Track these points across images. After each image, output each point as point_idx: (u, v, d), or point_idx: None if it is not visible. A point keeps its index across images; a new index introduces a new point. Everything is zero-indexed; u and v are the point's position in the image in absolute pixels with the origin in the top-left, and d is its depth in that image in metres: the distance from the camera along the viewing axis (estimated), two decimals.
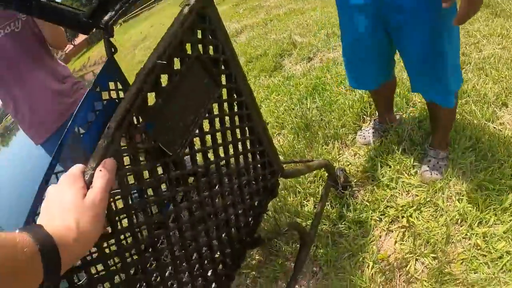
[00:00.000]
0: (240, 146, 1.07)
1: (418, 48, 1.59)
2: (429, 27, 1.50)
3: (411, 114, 2.30)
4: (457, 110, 2.29)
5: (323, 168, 1.89)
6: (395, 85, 2.17)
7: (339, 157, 2.25)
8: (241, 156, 1.07)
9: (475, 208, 1.77)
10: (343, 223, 1.90)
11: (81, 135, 1.21)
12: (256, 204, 1.19)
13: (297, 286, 1.80)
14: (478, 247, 1.66)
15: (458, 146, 2.03)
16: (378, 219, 1.86)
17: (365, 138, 2.28)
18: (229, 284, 1.13)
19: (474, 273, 1.59)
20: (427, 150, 1.98)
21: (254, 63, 4.24)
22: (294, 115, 2.75)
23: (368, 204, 1.91)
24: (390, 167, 2.04)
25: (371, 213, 1.87)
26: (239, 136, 1.06)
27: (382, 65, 1.86)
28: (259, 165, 1.17)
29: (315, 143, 2.39)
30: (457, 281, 1.56)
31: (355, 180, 2.05)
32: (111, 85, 1.39)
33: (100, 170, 0.63)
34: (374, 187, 1.97)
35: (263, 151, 1.17)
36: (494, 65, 2.68)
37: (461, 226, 1.74)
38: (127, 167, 0.77)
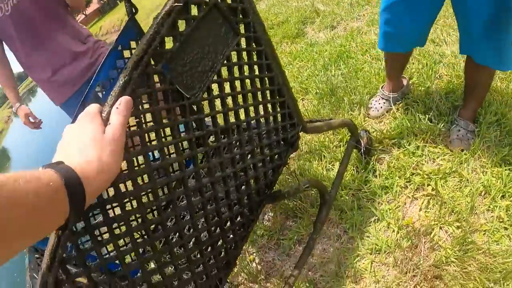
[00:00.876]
0: (259, 96, 1.03)
1: (487, 5, 1.51)
2: None
3: (438, 85, 2.22)
4: None
5: (346, 128, 1.81)
6: (411, 53, 2.10)
7: (365, 123, 2.18)
8: (260, 106, 1.04)
9: (499, 181, 1.72)
10: (368, 188, 1.85)
11: (103, 93, 1.16)
12: (275, 156, 1.14)
13: (321, 248, 1.77)
14: (501, 220, 1.61)
15: (484, 120, 1.95)
16: (403, 186, 1.81)
17: (377, 110, 2.21)
18: (247, 235, 1.11)
19: (496, 245, 1.55)
20: (457, 120, 1.91)
21: (275, 30, 4.09)
22: (318, 80, 2.66)
23: (393, 170, 1.85)
24: (416, 135, 1.97)
25: (397, 180, 1.82)
26: (258, 86, 1.02)
27: (426, 28, 1.80)
28: (279, 116, 1.12)
29: (340, 108, 2.31)
30: (480, 251, 1.52)
31: (380, 147, 1.99)
32: (133, 44, 1.34)
33: (117, 107, 0.61)
34: (400, 154, 1.91)
35: (283, 102, 1.12)
36: None
37: (484, 198, 1.69)
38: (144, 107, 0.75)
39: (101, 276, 0.73)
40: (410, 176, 1.81)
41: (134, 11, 1.19)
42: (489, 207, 1.66)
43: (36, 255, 1.18)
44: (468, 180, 1.74)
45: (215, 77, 0.86)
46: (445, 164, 1.80)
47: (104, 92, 1.29)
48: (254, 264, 1.85)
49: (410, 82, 2.28)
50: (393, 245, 1.62)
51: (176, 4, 0.72)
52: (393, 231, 1.67)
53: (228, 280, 1.79)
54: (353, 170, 1.94)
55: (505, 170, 1.74)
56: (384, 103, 2.20)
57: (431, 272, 1.51)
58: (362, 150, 1.82)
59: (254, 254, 1.91)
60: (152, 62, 0.71)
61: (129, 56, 1.10)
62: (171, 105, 0.77)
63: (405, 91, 2.22)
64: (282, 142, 1.16)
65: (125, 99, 0.63)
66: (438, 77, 2.29)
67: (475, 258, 1.51)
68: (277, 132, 1.13)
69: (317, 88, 2.57)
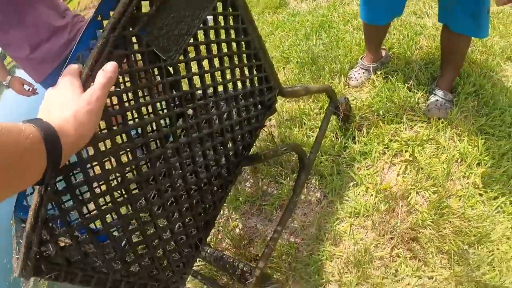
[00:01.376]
0: (236, 59, 1.01)
1: None
2: None
3: (418, 56, 2.17)
4: None
5: (325, 95, 1.76)
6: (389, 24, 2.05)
7: (345, 92, 2.13)
8: (237, 69, 1.02)
9: (475, 149, 1.70)
10: (348, 154, 1.80)
11: (82, 65, 1.08)
12: (252, 118, 1.11)
13: (302, 213, 1.73)
14: (476, 186, 1.60)
15: (462, 90, 1.92)
16: (382, 152, 1.77)
17: (357, 80, 2.16)
18: (225, 195, 1.09)
19: (471, 210, 1.54)
20: (435, 90, 1.87)
21: (257, 0, 3.98)
22: (299, 50, 2.57)
23: (372, 137, 1.81)
24: (395, 103, 1.92)
25: (376, 146, 1.77)
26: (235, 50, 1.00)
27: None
28: (255, 79, 1.10)
29: (321, 77, 2.25)
30: (455, 215, 1.51)
31: (360, 114, 1.94)
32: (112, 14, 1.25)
33: (103, 70, 0.61)
34: (379, 121, 1.86)
35: (260, 66, 1.09)
36: (502, 21, 2.54)
37: (460, 165, 1.67)
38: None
39: (84, 236, 0.72)
40: (389, 143, 1.78)
41: None
42: (465, 173, 1.64)
43: (22, 225, 1.12)
44: (445, 147, 1.71)
45: (192, 40, 0.84)
46: (422, 132, 1.77)
47: (83, 65, 1.21)
48: (237, 230, 1.81)
49: (390, 53, 2.23)
50: (371, 208, 1.58)
51: None
52: (372, 195, 1.63)
53: (212, 246, 1.74)
54: (333, 136, 1.89)
55: (481, 139, 1.71)
56: (363, 73, 2.15)
57: (408, 235, 1.49)
58: (340, 116, 1.77)
59: (237, 220, 1.86)
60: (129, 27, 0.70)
61: None
62: (147, 67, 0.76)
63: (384, 61, 2.17)
64: (259, 105, 1.14)
65: (110, 64, 0.62)
66: (418, 48, 2.24)
67: (451, 222, 1.49)
68: (254, 95, 1.10)
69: (298, 57, 2.49)
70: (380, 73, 2.09)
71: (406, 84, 1.98)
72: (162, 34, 0.76)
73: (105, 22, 1.27)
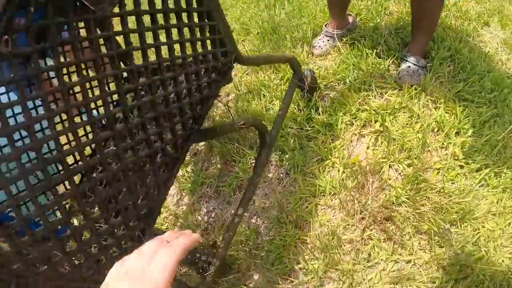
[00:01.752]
0: (185, 18, 0.86)
1: None
2: None
3: (387, 21, 1.97)
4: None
5: (288, 66, 1.55)
6: None
7: (308, 60, 1.90)
8: (186, 29, 0.87)
9: (453, 117, 1.51)
10: (311, 126, 1.58)
11: None
12: (204, 86, 0.95)
13: (263, 193, 1.51)
14: (456, 157, 1.41)
15: (437, 55, 1.73)
16: (349, 122, 1.56)
17: (321, 48, 1.95)
18: (171, 176, 0.93)
19: (451, 184, 1.35)
20: (406, 56, 1.67)
21: None
22: (261, 20, 2.34)
23: (338, 106, 1.59)
24: (363, 70, 1.72)
25: (342, 116, 1.56)
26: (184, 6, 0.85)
27: None
28: (208, 43, 0.95)
29: (282, 46, 2.02)
30: (433, 190, 1.31)
31: (324, 83, 1.72)
32: None
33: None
34: (345, 90, 1.65)
35: (213, 27, 0.93)
36: None
37: (437, 135, 1.48)
38: None
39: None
40: (356, 112, 1.57)
41: None
42: (443, 144, 1.45)
43: None
44: (419, 116, 1.52)
45: None
46: (394, 99, 1.57)
47: None
48: (194, 216, 1.57)
49: (357, 19, 2.03)
50: (338, 185, 1.37)
51: None
52: (338, 170, 1.42)
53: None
54: (294, 108, 1.66)
55: (460, 106, 1.53)
56: (328, 40, 1.94)
57: (381, 214, 1.28)
58: (305, 90, 1.54)
59: (194, 204, 1.62)
60: None
61: None
62: (70, 19, 0.61)
63: (351, 28, 1.97)
64: (212, 72, 0.97)
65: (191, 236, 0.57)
66: (388, 13, 2.05)
67: (429, 198, 1.30)
68: (206, 59, 0.94)
69: (259, 28, 2.26)
70: (347, 40, 1.88)
71: (375, 50, 1.77)
72: None
73: None
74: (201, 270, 1.11)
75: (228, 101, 1.91)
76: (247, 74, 2.02)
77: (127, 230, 0.81)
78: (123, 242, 0.80)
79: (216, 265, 1.04)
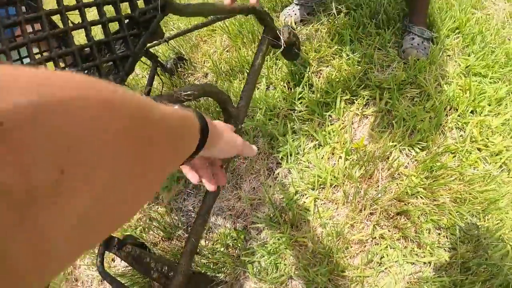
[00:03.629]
0: None
1: None
2: None
3: None
4: None
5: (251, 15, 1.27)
6: None
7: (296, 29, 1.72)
8: None
9: (467, 94, 1.36)
10: (305, 106, 1.40)
11: None
12: (117, 40, 0.76)
13: (250, 187, 1.32)
14: (473, 139, 1.26)
15: (443, 26, 1.58)
16: (349, 101, 1.39)
17: (291, 17, 1.77)
18: None
19: (472, 169, 1.20)
20: (409, 27, 1.51)
21: None
22: None
23: (335, 83, 1.42)
24: (361, 42, 1.54)
25: (340, 93, 1.38)
26: None
27: None
28: None
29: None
30: (452, 177, 1.16)
31: (317, 56, 1.54)
32: None
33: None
34: (342, 64, 1.47)
35: None
36: None
37: (451, 114, 1.33)
38: None
39: None
40: (357, 89, 1.39)
41: None
42: (457, 124, 1.30)
43: None
44: (430, 93, 1.35)
45: None
46: (400, 74, 1.40)
47: None
48: (171, 217, 1.37)
49: None
50: (341, 175, 1.20)
51: None
52: (340, 158, 1.25)
53: (139, 239, 1.28)
54: (283, 86, 1.48)
55: (473, 81, 1.38)
56: (299, 9, 1.77)
57: (393, 208, 1.12)
58: (282, 48, 1.29)
59: (171, 203, 1.41)
60: None
61: None
62: None
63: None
64: (128, 22, 0.77)
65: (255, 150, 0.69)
66: None
67: (448, 187, 1.14)
68: (117, 6, 0.75)
69: None
70: (342, 7, 1.70)
71: (374, 20, 1.60)
72: None
73: None
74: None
75: (207, 82, 1.71)
76: (227, 51, 1.81)
77: None
78: None
79: (178, 281, 0.84)
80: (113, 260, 1.42)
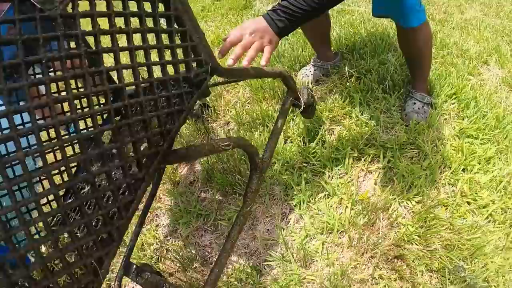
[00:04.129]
0: (150, 23, 0.80)
1: None
2: None
3: (392, 57, 2.06)
4: (438, 60, 2.10)
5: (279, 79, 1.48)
6: (329, 23, 2.00)
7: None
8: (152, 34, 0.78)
9: (459, 154, 1.58)
10: (317, 160, 1.63)
11: None
12: (174, 98, 0.87)
13: (265, 229, 1.53)
14: (463, 194, 1.46)
15: (441, 92, 1.82)
16: (356, 157, 1.61)
17: (308, 77, 2.07)
18: (134, 199, 0.79)
19: (461, 220, 1.40)
20: (412, 93, 1.75)
21: (222, 1, 3.82)
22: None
23: (345, 141, 1.65)
24: (369, 105, 1.79)
25: (349, 151, 1.61)
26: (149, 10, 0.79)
27: None
28: (179, 50, 0.88)
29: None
30: (443, 227, 1.36)
31: (330, 116, 1.78)
32: None
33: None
34: (352, 124, 1.71)
35: (184, 33, 0.87)
36: (476, 27, 2.53)
37: (444, 172, 1.54)
38: None
39: None
40: (364, 147, 1.62)
41: None
42: (450, 180, 1.51)
43: None
44: (427, 153, 1.57)
45: None
46: (401, 135, 1.63)
47: None
48: (188, 250, 1.57)
49: (362, 52, 2.11)
50: (347, 223, 1.41)
51: None
52: (347, 207, 1.46)
53: (156, 268, 1.48)
54: (299, 141, 1.71)
55: (465, 143, 1.60)
56: (315, 70, 2.05)
57: (392, 252, 1.32)
58: (302, 108, 1.50)
59: (188, 238, 1.61)
60: None
61: None
62: (14, 17, 0.56)
63: (336, 63, 2.08)
64: (182, 81, 0.89)
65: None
66: (392, 49, 2.14)
67: (440, 235, 1.34)
68: (176, 68, 0.87)
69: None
70: (354, 72, 1.96)
71: (381, 86, 1.85)
72: None
73: None
74: None
75: (230, 131, 1.95)
76: (249, 103, 2.07)
77: (80, 259, 0.70)
78: (73, 271, 0.69)
79: None
80: (125, 287, 1.55)
